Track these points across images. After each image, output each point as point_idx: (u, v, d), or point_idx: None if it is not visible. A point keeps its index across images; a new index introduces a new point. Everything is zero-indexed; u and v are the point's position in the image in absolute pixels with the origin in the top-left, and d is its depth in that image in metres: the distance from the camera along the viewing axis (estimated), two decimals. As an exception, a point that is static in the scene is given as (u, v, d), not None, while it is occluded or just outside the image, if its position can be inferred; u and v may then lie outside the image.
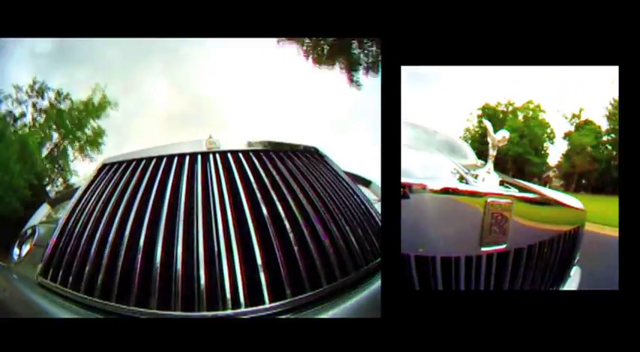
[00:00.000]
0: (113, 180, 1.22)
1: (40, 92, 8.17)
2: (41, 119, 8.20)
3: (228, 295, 0.97)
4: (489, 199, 1.09)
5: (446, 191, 1.09)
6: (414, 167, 1.16)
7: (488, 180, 1.21)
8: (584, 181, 23.05)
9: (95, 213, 1.15)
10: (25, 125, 7.98)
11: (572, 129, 23.49)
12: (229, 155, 1.21)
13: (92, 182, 1.27)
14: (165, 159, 1.20)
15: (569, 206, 1.55)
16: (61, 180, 8.42)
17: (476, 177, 1.22)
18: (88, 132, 8.53)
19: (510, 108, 24.83)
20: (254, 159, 1.23)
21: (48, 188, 8.07)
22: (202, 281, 0.97)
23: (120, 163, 1.26)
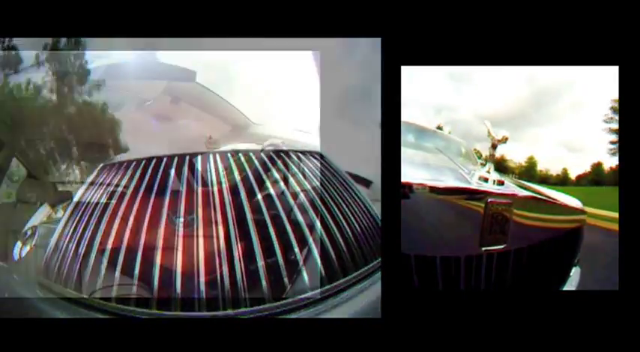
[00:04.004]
0: (113, 180, 1.22)
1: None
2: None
3: (228, 295, 0.97)
4: (489, 199, 1.09)
5: (446, 191, 1.09)
6: (414, 166, 1.16)
7: (488, 180, 1.21)
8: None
9: (95, 213, 1.15)
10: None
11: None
12: (229, 155, 1.21)
13: (92, 182, 1.27)
14: (165, 159, 1.20)
15: (569, 206, 1.55)
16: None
17: (475, 176, 1.22)
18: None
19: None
20: (254, 158, 1.23)
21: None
22: (202, 281, 0.97)
23: (120, 163, 1.26)
